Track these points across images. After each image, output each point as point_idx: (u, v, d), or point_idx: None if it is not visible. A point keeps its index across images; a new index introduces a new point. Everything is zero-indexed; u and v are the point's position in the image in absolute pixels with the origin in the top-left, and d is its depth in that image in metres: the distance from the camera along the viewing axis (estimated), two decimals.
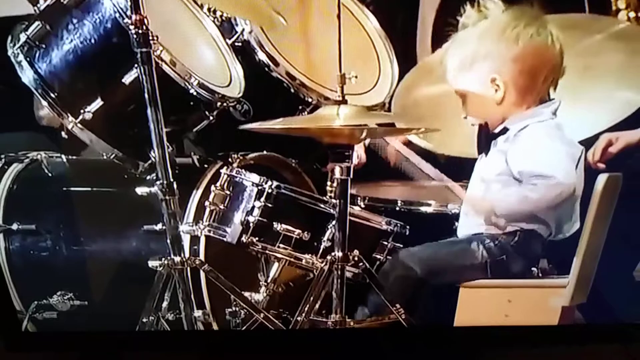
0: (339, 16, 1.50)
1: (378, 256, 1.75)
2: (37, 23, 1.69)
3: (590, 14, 1.65)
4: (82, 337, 1.79)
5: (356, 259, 1.64)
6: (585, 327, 1.11)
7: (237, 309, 1.70)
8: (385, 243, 1.75)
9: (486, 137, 1.68)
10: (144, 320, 1.67)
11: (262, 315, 1.68)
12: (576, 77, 1.64)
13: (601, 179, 1.65)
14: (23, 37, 1.69)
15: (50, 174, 1.85)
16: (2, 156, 1.87)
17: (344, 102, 1.54)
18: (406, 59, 1.93)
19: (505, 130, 1.66)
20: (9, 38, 1.72)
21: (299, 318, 1.64)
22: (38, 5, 1.72)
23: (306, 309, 1.63)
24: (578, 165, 1.64)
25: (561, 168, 1.60)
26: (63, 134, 1.74)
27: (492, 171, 1.67)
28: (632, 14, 1.85)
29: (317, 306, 1.64)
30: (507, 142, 1.66)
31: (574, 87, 1.65)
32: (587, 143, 1.76)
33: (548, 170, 1.59)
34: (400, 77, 1.88)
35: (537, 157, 1.62)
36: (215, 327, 1.74)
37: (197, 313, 1.69)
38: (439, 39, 1.93)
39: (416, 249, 1.72)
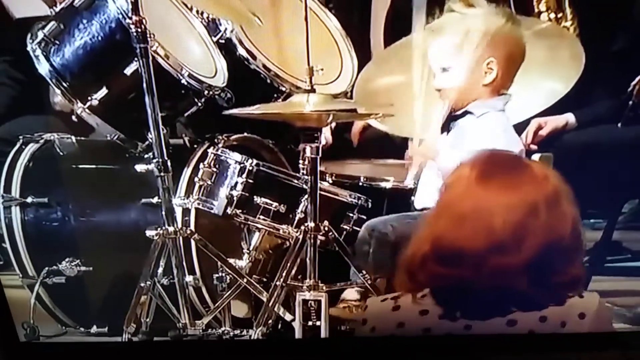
0: (306, 18, 1.67)
1: (345, 226, 1.89)
2: (52, 23, 1.89)
3: (516, 14, 1.85)
4: (81, 348, 1.82)
5: (326, 229, 1.75)
6: (582, 333, 1.07)
7: (223, 274, 1.81)
8: (351, 215, 1.90)
9: (447, 119, 1.80)
10: (142, 284, 1.76)
11: (245, 280, 1.80)
12: None
13: (535, 158, 1.84)
14: (40, 35, 1.88)
15: (62, 153, 2.00)
16: (21, 137, 2.04)
17: (312, 91, 1.69)
18: (363, 53, 2.11)
19: (466, 114, 1.80)
20: (29, 35, 1.92)
21: (277, 283, 1.75)
22: (54, 7, 1.92)
23: (284, 274, 1.74)
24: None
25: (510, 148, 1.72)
26: (73, 117, 1.91)
27: (451, 146, 1.79)
28: (552, 15, 2.09)
29: (293, 272, 1.74)
30: (468, 124, 1.79)
31: None
32: (521, 127, 1.98)
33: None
34: (360, 69, 2.06)
35: (494, 141, 1.75)
36: (205, 292, 1.85)
37: (188, 278, 1.80)
38: (389, 35, 2.15)
39: (386, 217, 1.82)
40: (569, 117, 2.05)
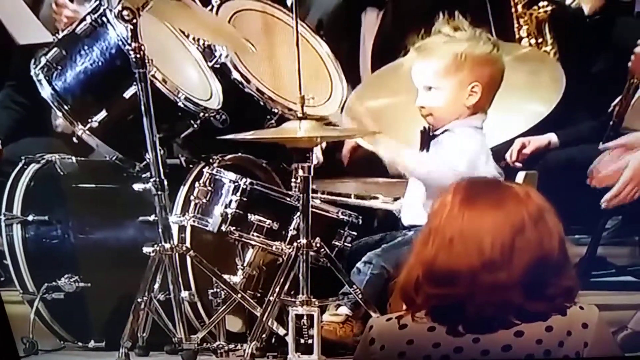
0: (297, 48, 1.73)
1: (336, 243, 1.93)
2: (55, 49, 1.95)
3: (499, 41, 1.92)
4: None
5: (318, 245, 1.78)
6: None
7: (218, 289, 1.84)
8: (342, 231, 1.94)
9: (428, 137, 1.85)
10: (139, 300, 1.79)
11: (239, 295, 1.82)
12: None
13: (520, 175, 1.91)
14: (43, 60, 1.95)
15: (62, 173, 2.05)
16: (23, 158, 2.08)
17: (304, 118, 1.75)
18: (352, 77, 2.19)
19: (445, 131, 1.85)
20: (32, 61, 1.98)
21: (271, 298, 1.78)
22: (57, 34, 1.99)
23: (277, 289, 1.77)
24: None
25: (489, 169, 1.81)
26: (74, 139, 1.97)
27: (431, 163, 1.84)
28: (533, 41, 2.16)
29: (286, 287, 1.78)
30: (447, 140, 1.84)
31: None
32: (506, 146, 2.04)
33: (479, 168, 1.79)
34: (348, 92, 2.13)
35: (472, 156, 1.80)
36: (200, 307, 1.88)
37: (184, 293, 1.82)
38: (376, 61, 2.22)
39: (382, 249, 1.85)
40: (552, 137, 2.12)
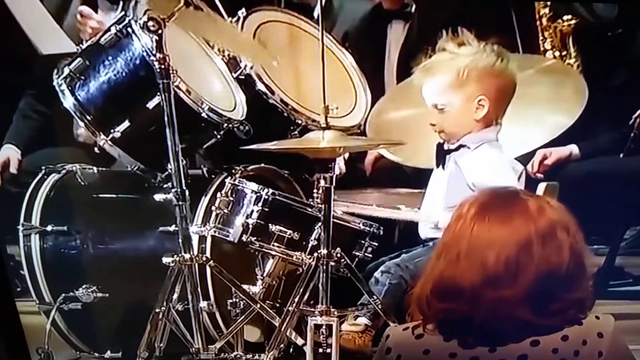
0: (323, 58, 1.72)
1: (357, 253, 1.93)
2: (79, 59, 1.94)
3: (524, 53, 1.93)
4: None
5: (339, 255, 1.76)
6: None
7: (237, 299, 1.83)
8: (363, 242, 1.93)
9: (443, 153, 1.87)
10: (157, 310, 1.77)
11: (258, 305, 1.82)
12: (515, 104, 1.89)
13: (541, 187, 1.92)
14: (66, 70, 1.94)
15: (82, 183, 2.05)
16: (43, 168, 2.08)
17: (327, 128, 1.74)
18: (376, 89, 2.19)
19: (460, 147, 1.87)
20: (55, 70, 1.97)
21: (290, 308, 1.77)
22: (80, 44, 1.98)
23: (296, 299, 1.76)
24: (520, 179, 1.86)
25: (508, 181, 1.80)
26: (95, 149, 1.96)
27: (447, 181, 1.87)
28: (557, 53, 2.18)
29: (305, 297, 1.77)
30: (463, 157, 1.86)
31: (514, 112, 1.89)
32: (527, 157, 2.05)
33: (497, 182, 1.77)
34: (372, 104, 2.13)
35: (490, 171, 1.81)
36: (218, 317, 1.89)
37: (203, 304, 1.81)
38: (402, 72, 2.22)
39: (401, 259, 1.86)
40: (573, 148, 2.13)
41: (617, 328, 1.16)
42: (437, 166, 1.90)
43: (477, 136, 1.86)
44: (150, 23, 1.74)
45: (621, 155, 1.99)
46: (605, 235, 2.17)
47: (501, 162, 1.86)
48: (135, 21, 1.88)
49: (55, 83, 1.96)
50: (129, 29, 1.91)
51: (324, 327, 1.73)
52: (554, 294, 1.12)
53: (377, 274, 1.90)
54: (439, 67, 1.84)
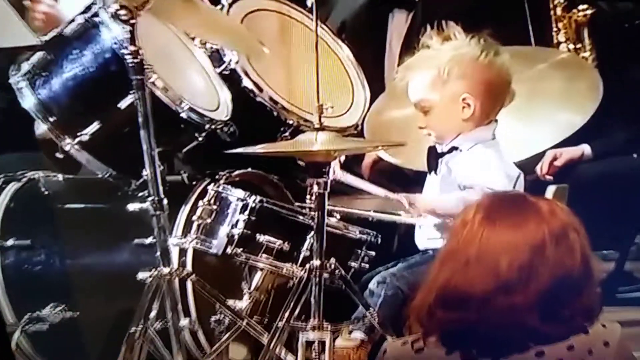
0: (316, 46, 1.61)
1: (353, 264, 1.84)
2: (40, 53, 1.78)
3: (536, 46, 1.82)
4: None
5: (332, 266, 1.69)
6: None
7: (221, 316, 1.74)
8: (359, 251, 1.85)
9: (435, 156, 1.77)
10: (132, 330, 1.67)
11: (245, 322, 1.73)
12: (524, 101, 1.79)
13: (550, 189, 1.83)
14: (26, 67, 1.78)
15: (46, 192, 1.91)
16: (2, 176, 1.94)
17: (321, 129, 1.63)
18: (376, 85, 2.08)
19: (452, 149, 1.76)
20: (11, 67, 1.81)
21: (279, 324, 1.68)
22: (42, 36, 1.81)
23: (286, 315, 1.68)
24: (515, 186, 1.73)
25: (498, 182, 1.70)
26: (57, 154, 1.81)
27: (439, 187, 1.77)
28: (571, 46, 2.08)
29: (296, 312, 1.68)
30: (454, 160, 1.75)
31: (523, 110, 1.80)
32: (536, 158, 1.95)
33: (488, 183, 1.68)
34: (371, 102, 2.02)
35: (483, 175, 1.71)
36: (201, 335, 1.79)
37: (184, 321, 1.72)
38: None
39: (397, 269, 1.79)
40: (585, 148, 2.04)
41: (624, 336, 1.14)
42: (430, 171, 1.80)
43: (469, 137, 1.75)
44: (122, 12, 1.60)
45: (635, 155, 1.90)
46: (614, 239, 2.10)
47: (494, 162, 1.75)
48: (105, 9, 1.74)
49: (12, 81, 1.79)
50: (98, 19, 1.76)
51: (316, 343, 1.65)
52: (564, 299, 1.11)
53: (371, 285, 1.81)
54: (420, 65, 1.74)
